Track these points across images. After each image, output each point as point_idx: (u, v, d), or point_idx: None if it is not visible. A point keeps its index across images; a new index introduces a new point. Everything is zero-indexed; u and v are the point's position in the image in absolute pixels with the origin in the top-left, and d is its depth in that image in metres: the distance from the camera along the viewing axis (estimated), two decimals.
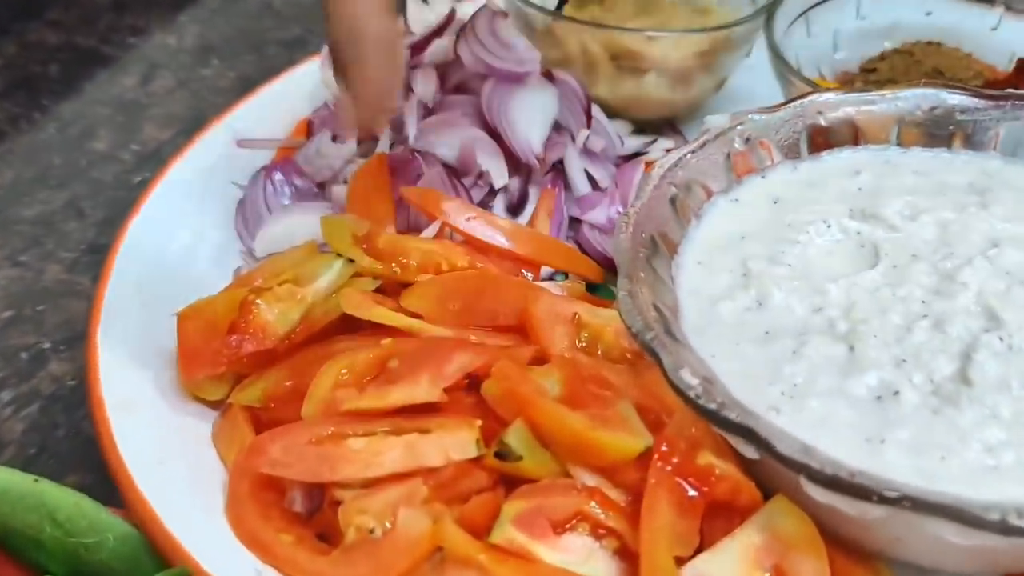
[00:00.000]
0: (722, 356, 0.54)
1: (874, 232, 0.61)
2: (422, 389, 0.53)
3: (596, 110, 0.81)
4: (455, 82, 0.80)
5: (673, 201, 0.63)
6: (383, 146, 0.77)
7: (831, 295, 0.57)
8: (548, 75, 0.80)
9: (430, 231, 0.69)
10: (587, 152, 0.79)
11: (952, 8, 0.88)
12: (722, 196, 0.65)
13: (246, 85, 1.05)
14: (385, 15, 0.58)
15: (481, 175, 0.75)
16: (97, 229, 0.88)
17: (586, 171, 0.78)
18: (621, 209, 0.76)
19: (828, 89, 0.70)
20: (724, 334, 0.55)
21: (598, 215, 0.76)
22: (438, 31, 0.83)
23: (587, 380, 0.54)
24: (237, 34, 1.14)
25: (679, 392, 0.49)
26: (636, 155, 0.84)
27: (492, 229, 0.68)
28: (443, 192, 0.72)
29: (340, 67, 0.60)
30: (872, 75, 0.87)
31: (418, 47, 0.82)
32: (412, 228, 0.74)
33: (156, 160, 0.96)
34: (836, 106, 0.69)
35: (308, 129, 0.85)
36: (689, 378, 0.49)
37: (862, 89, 0.69)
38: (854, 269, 0.59)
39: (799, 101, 0.69)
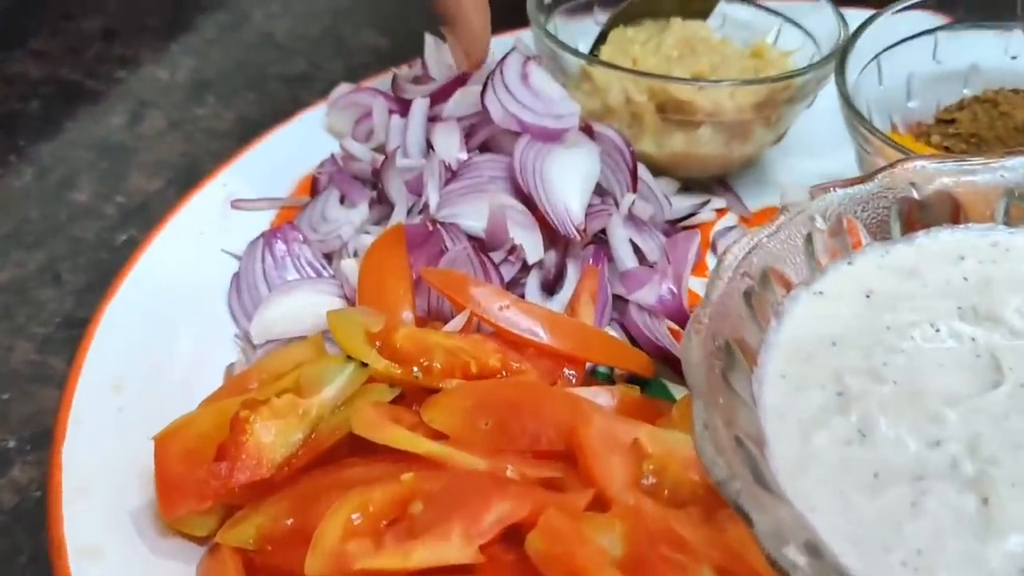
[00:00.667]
0: (825, 509, 0.44)
1: (991, 338, 0.51)
2: (454, 547, 0.43)
3: (642, 169, 0.71)
4: (482, 139, 0.70)
5: (748, 297, 0.53)
6: (399, 214, 0.67)
7: (950, 424, 0.47)
8: (587, 130, 0.70)
9: (456, 323, 0.59)
10: (632, 219, 0.69)
11: None
12: (804, 288, 0.55)
13: (244, 127, 0.95)
14: None
15: (513, 249, 0.65)
16: (75, 299, 0.78)
17: (631, 241, 0.68)
18: (673, 288, 0.66)
19: (921, 156, 0.60)
20: (824, 478, 0.45)
21: (647, 295, 0.65)
22: (462, 79, 0.73)
23: (656, 537, 0.44)
24: (235, 68, 1.04)
25: (780, 571, 0.39)
26: (685, 218, 0.74)
27: (529, 320, 0.58)
28: (469, 272, 0.63)
29: (445, 21, 0.72)
30: (951, 127, 0.76)
31: (438, 96, 0.72)
32: (433, 312, 0.64)
33: (143, 215, 0.86)
34: (932, 177, 0.59)
35: (313, 187, 0.75)
36: (794, 555, 0.39)
37: (960, 156, 0.59)
38: (974, 388, 0.49)
39: (888, 171, 0.58)
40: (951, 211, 0.60)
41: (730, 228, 0.75)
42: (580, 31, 0.85)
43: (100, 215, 0.86)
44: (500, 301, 0.58)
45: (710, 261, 0.74)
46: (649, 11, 0.84)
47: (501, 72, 0.69)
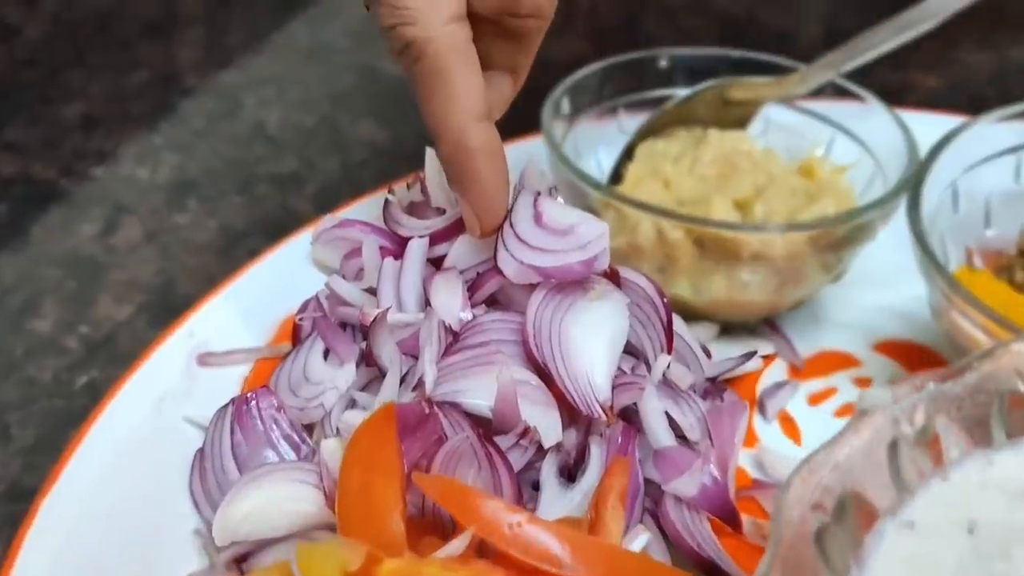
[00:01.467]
0: None
1: None
2: None
3: (677, 323, 0.61)
4: (490, 291, 0.59)
5: (820, 539, 0.42)
6: (391, 385, 0.57)
7: None
8: (612, 275, 0.60)
9: (456, 546, 0.48)
10: (668, 387, 0.58)
11: None
12: (891, 519, 0.44)
13: (227, 239, 0.85)
14: (485, 123, 0.58)
15: (525, 431, 0.54)
16: (22, 462, 0.67)
17: (667, 413, 0.57)
18: (718, 475, 0.55)
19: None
20: None
21: (687, 485, 0.54)
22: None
23: None
24: (222, 166, 0.94)
25: None
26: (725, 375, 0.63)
27: (547, 542, 0.47)
28: (472, 467, 0.52)
29: (455, 183, 0.60)
30: None
31: (439, 236, 0.62)
32: (429, 513, 0.53)
33: (107, 351, 0.76)
34: None
35: (294, 334, 0.65)
36: None
37: None
38: None
39: (988, 357, 0.48)
40: None
41: (780, 385, 0.64)
42: (603, 137, 0.75)
43: (61, 350, 0.76)
44: (511, 518, 0.48)
45: (757, 426, 0.63)
46: (681, 119, 0.73)
47: (511, 223, 0.58)
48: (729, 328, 0.67)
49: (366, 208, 0.72)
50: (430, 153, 0.72)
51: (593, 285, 0.58)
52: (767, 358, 0.67)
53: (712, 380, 0.63)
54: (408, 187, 0.70)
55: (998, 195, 0.68)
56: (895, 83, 0.97)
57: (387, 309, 0.58)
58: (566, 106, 0.71)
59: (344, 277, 0.66)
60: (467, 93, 0.57)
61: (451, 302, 0.58)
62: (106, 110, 1.04)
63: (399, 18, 0.55)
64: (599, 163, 0.75)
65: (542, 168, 0.65)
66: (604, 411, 0.55)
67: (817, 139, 0.73)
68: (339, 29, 1.15)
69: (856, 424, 0.45)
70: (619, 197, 0.62)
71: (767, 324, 0.68)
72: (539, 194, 0.60)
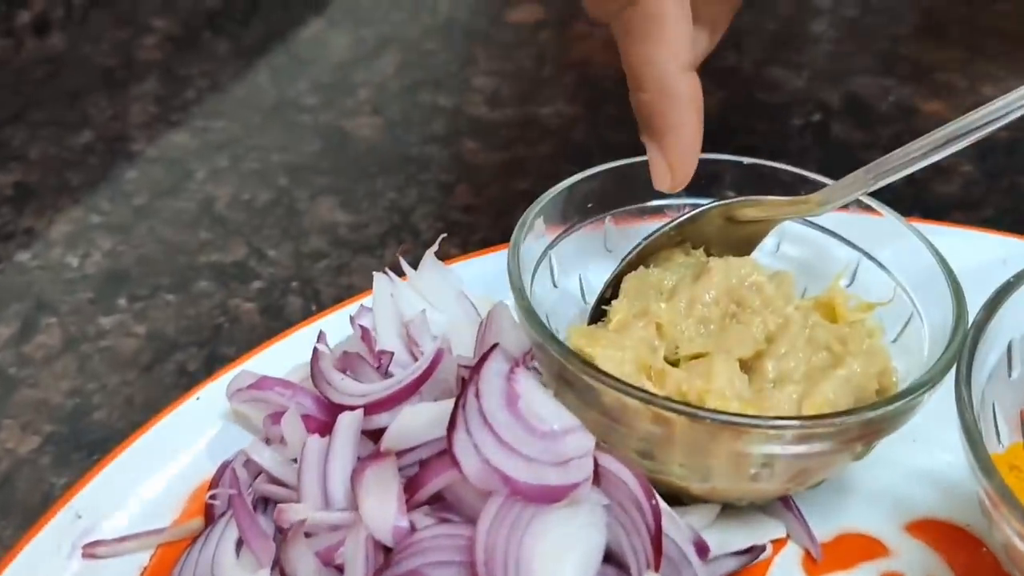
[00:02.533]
0: None
1: None
2: None
3: (668, 522, 0.49)
4: (437, 487, 0.47)
5: None
6: None
7: None
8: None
9: None
10: None
11: None
12: None
13: (155, 352, 0.73)
14: (692, 73, 0.59)
15: None
16: None
17: None
18: None
19: None
20: None
21: None
22: (417, 382, 0.51)
23: None
24: (160, 251, 0.83)
25: None
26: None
27: None
28: None
29: (652, 130, 0.59)
30: None
31: (377, 407, 0.50)
32: None
33: (1, 498, 0.65)
34: None
35: (207, 515, 0.54)
36: None
37: None
38: None
39: None
40: None
41: None
42: (590, 251, 0.64)
43: None
44: None
45: None
46: (680, 240, 0.62)
47: (476, 394, 0.47)
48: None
49: (299, 344, 0.61)
50: (379, 280, 0.61)
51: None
52: (778, 542, 0.56)
53: None
54: (351, 321, 0.59)
55: None
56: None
57: (303, 521, 0.47)
58: (540, 226, 0.60)
59: (268, 441, 0.55)
60: (679, 40, 0.57)
61: (384, 507, 0.46)
62: (43, 178, 0.93)
63: None
64: (587, 283, 0.63)
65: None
66: None
67: (839, 262, 0.62)
68: (307, 83, 1.03)
69: None
70: (585, 369, 0.50)
71: (779, 498, 0.56)
72: (517, 364, 0.49)
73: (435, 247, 0.64)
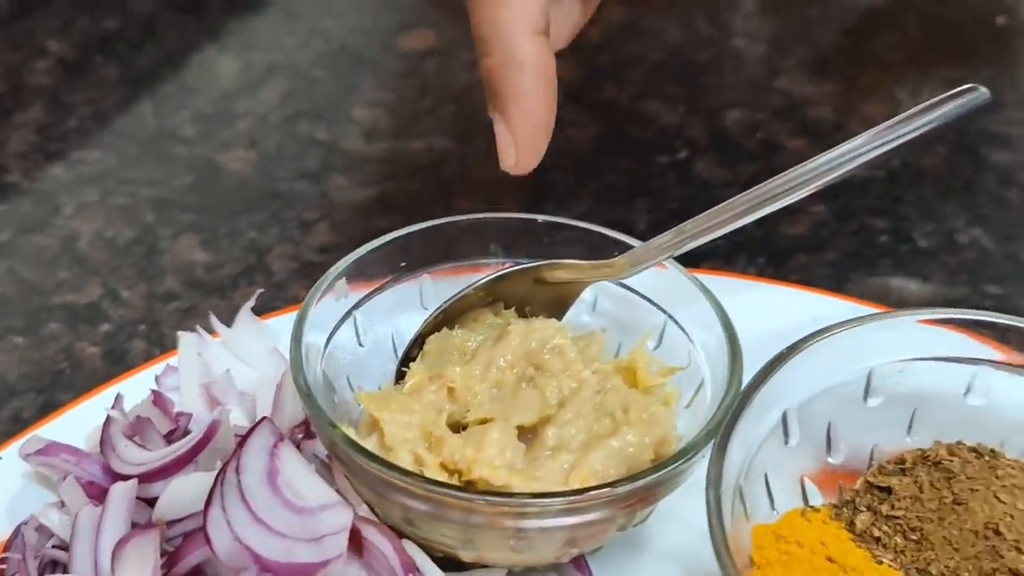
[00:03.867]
0: None
1: None
2: None
3: None
4: (192, 564, 0.48)
5: None
6: None
7: None
8: (353, 535, 0.49)
9: None
10: None
11: (1017, 389, 0.56)
12: None
13: None
14: (543, 39, 0.54)
15: None
16: None
17: None
18: None
19: None
20: None
21: None
22: (193, 452, 0.52)
23: None
24: (16, 293, 0.82)
25: None
26: None
27: None
28: None
29: (497, 100, 0.55)
30: (886, 500, 0.55)
31: (154, 475, 0.51)
32: None
33: None
34: None
35: None
36: None
37: None
38: None
39: None
40: None
41: None
42: (403, 312, 0.64)
43: None
44: None
45: None
46: (488, 301, 0.63)
47: (237, 469, 0.48)
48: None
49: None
50: (185, 339, 0.62)
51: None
52: None
53: None
54: (157, 382, 0.59)
55: (843, 416, 0.57)
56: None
57: None
58: (343, 287, 0.60)
59: (63, 504, 0.56)
60: (530, 2, 0.53)
61: None
62: None
63: None
64: (400, 340, 0.64)
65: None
66: None
67: (649, 324, 0.63)
68: (189, 113, 1.03)
69: None
70: (346, 445, 0.50)
71: (574, 560, 0.57)
72: (281, 439, 0.50)
73: (251, 302, 0.65)
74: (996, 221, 0.84)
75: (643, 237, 0.63)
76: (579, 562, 0.57)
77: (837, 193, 0.88)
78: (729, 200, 0.59)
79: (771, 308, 0.67)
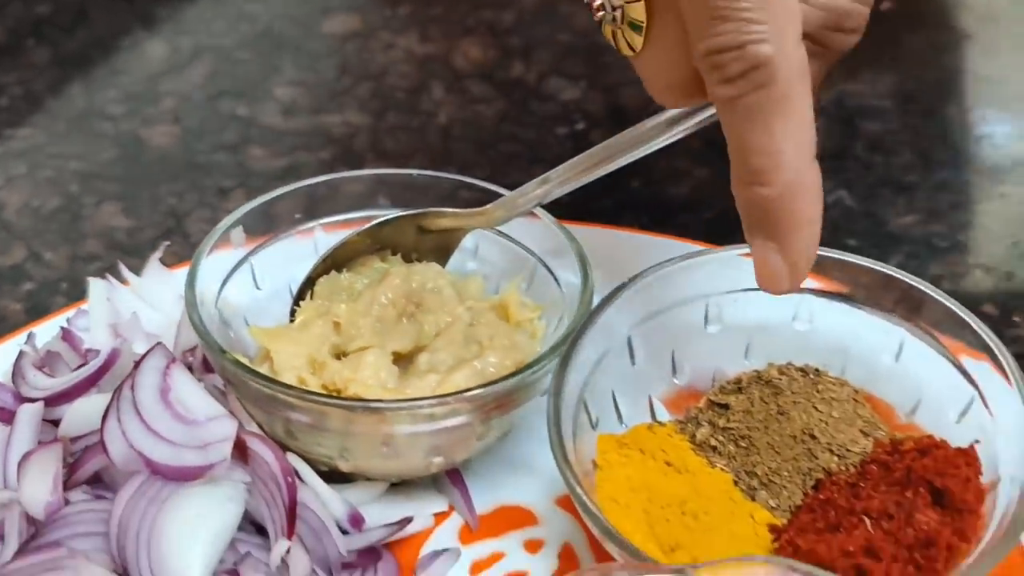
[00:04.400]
0: None
1: None
2: None
3: (314, 496, 0.56)
4: (93, 469, 0.54)
5: None
6: None
7: None
8: (240, 447, 0.55)
9: None
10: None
11: (835, 314, 0.63)
12: None
13: None
14: (815, 159, 0.50)
15: None
16: None
17: None
18: None
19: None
20: None
21: None
22: (94, 378, 0.57)
23: None
24: None
25: None
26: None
27: None
28: None
29: (772, 229, 0.51)
30: (723, 415, 0.62)
31: (58, 399, 0.57)
32: None
33: None
34: None
35: None
36: None
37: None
38: None
39: None
40: None
41: (439, 553, 0.60)
42: (298, 260, 0.70)
43: None
44: None
45: None
46: (375, 248, 0.69)
47: (132, 386, 0.53)
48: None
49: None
50: (95, 284, 0.67)
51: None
52: (444, 514, 0.63)
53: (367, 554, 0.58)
54: (65, 330, 0.65)
55: (688, 339, 0.64)
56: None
57: None
58: (240, 236, 0.66)
59: None
60: (808, 125, 0.49)
61: (40, 486, 0.53)
62: None
63: (753, 35, 0.46)
64: (295, 281, 0.69)
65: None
66: None
67: (522, 267, 0.69)
68: (117, 93, 1.09)
69: None
70: (229, 363, 0.57)
71: (447, 473, 0.64)
72: (173, 361, 0.56)
73: (159, 252, 0.71)
74: (860, 183, 0.92)
75: None
76: (456, 476, 0.64)
77: (720, 155, 0.95)
78: (588, 151, 0.65)
79: (637, 254, 0.73)
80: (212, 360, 0.57)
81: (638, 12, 0.51)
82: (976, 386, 0.56)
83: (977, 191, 0.94)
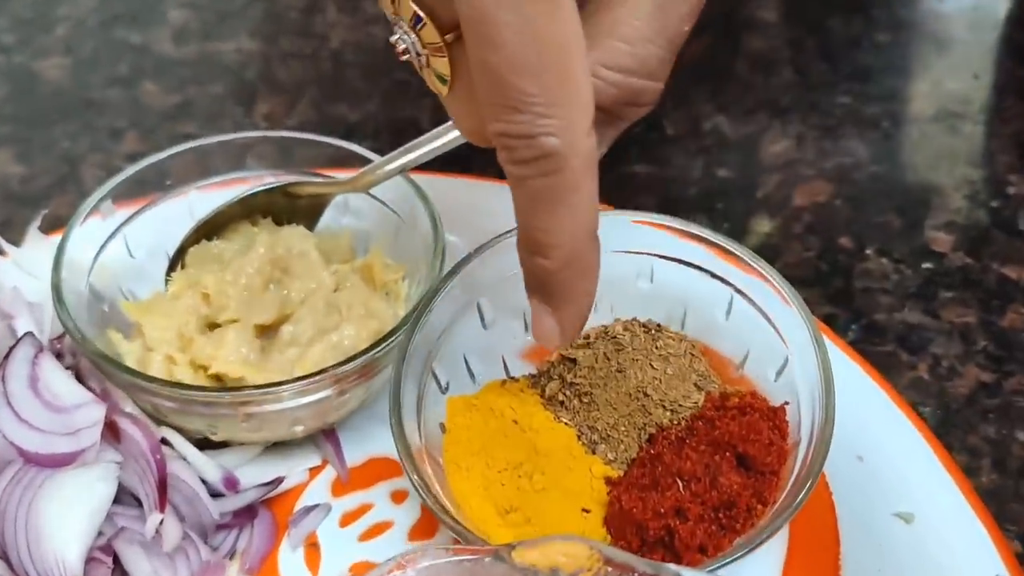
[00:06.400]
0: None
1: None
2: None
3: (184, 466, 0.61)
4: None
5: None
6: None
7: None
8: (112, 428, 0.59)
9: None
10: (157, 550, 0.59)
11: (674, 272, 0.67)
12: None
13: None
14: (598, 239, 0.54)
15: None
16: None
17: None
18: None
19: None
20: None
21: None
22: None
23: None
24: None
25: None
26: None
27: None
28: None
29: (549, 299, 0.55)
30: (571, 369, 0.66)
31: None
32: None
33: None
34: None
35: None
36: None
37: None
38: None
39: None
40: None
41: (310, 508, 0.65)
42: (175, 226, 0.72)
43: None
44: None
45: (286, 558, 0.63)
46: (245, 214, 0.71)
47: (2, 378, 0.57)
48: None
49: None
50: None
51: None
52: (318, 468, 0.67)
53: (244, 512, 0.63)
54: None
55: None
56: None
57: None
58: (109, 207, 0.68)
59: None
60: (592, 208, 0.52)
61: None
62: None
63: (544, 127, 0.48)
64: (174, 245, 0.72)
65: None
66: None
67: (389, 227, 0.72)
68: (6, 21, 1.08)
69: None
70: (100, 357, 0.60)
71: (324, 431, 0.68)
72: (42, 350, 0.59)
73: (38, 221, 0.73)
74: (738, 106, 0.94)
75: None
76: (330, 433, 0.68)
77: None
78: (445, 125, 0.67)
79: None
80: (79, 349, 0.61)
81: (442, 67, 0.52)
82: (787, 347, 0.61)
83: None
